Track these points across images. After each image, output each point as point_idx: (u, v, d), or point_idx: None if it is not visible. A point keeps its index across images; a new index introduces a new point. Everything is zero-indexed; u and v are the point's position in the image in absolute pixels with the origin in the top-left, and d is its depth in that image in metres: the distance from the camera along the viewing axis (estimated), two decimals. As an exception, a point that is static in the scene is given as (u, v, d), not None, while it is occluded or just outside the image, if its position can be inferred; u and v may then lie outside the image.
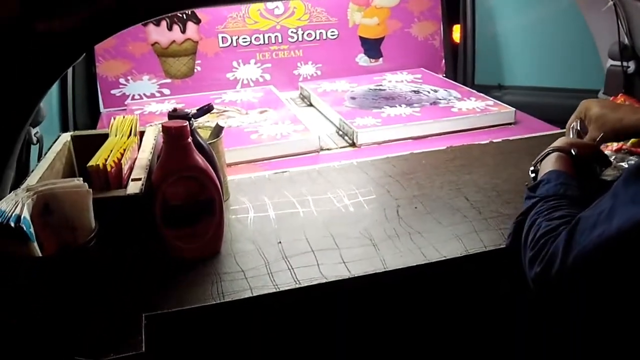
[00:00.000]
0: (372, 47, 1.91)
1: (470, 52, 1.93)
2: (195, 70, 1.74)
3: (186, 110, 0.84)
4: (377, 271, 0.79)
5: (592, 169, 0.87)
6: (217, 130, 0.96)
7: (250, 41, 1.77)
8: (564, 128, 0.99)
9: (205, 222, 0.80)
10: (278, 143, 1.29)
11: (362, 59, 1.92)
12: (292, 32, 1.80)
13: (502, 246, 0.84)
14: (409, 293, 0.86)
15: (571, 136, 0.96)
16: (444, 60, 1.98)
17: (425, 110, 1.48)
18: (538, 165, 0.86)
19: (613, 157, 1.00)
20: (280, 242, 0.87)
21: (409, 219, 0.94)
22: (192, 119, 0.84)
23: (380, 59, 1.93)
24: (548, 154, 0.85)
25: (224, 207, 0.84)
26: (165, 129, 0.76)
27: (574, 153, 0.82)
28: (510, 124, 1.44)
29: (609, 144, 1.11)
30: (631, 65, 1.15)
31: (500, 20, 1.90)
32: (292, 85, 1.83)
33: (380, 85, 1.75)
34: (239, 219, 0.95)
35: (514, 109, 1.44)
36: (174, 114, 0.84)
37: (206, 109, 0.86)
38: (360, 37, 1.89)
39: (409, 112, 1.47)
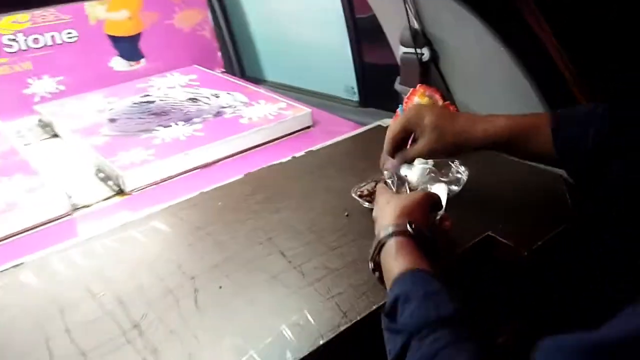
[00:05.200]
0: (127, 46, 1.54)
1: (230, 42, 1.72)
2: None
3: None
4: None
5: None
6: None
7: (-56, 58, 1.25)
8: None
9: None
10: (3, 215, 0.88)
11: (118, 63, 1.54)
12: (9, 39, 1.33)
13: (341, 329, 0.63)
14: None
15: (393, 184, 0.77)
16: (219, 53, 1.71)
17: (209, 127, 1.19)
18: (377, 258, 0.64)
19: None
20: None
21: (212, 310, 0.67)
22: None
23: (142, 59, 1.58)
24: (384, 243, 0.63)
25: None
26: None
27: (412, 231, 0.61)
28: (308, 127, 1.24)
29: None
30: (425, 52, 1.03)
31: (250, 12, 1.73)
32: (25, 110, 1.38)
33: (148, 94, 1.41)
34: None
35: (310, 109, 1.25)
36: None
37: None
38: (110, 36, 1.51)
39: (189, 131, 1.17)
